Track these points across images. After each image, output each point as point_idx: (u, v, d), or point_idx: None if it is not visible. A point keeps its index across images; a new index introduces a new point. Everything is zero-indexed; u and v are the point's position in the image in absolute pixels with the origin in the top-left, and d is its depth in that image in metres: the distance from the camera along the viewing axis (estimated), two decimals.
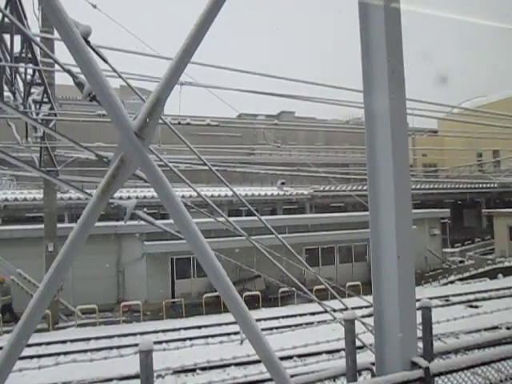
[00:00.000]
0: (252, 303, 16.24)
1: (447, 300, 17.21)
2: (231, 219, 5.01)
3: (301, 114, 37.49)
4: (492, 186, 32.26)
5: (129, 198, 18.66)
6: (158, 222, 3.39)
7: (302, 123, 27.06)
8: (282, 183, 26.25)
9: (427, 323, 2.66)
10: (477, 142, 23.30)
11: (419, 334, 2.58)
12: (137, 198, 19.49)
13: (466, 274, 22.89)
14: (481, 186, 32.26)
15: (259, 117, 34.89)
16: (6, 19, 7.58)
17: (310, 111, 34.07)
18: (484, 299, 17.12)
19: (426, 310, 2.71)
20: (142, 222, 3.03)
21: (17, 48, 8.93)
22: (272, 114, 37.51)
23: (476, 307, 15.98)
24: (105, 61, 3.23)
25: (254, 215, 5.13)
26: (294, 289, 8.86)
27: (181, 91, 8.93)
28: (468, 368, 2.60)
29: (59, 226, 16.56)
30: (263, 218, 5.34)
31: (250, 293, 17.21)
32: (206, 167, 4.82)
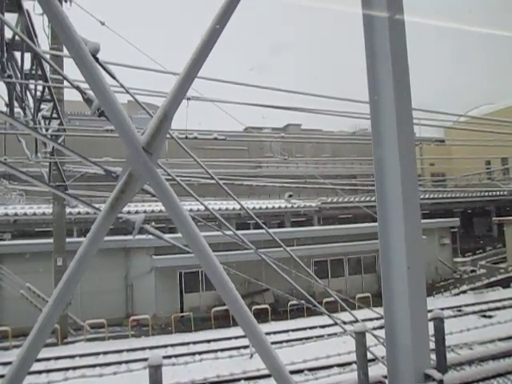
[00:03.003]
0: (261, 316, 16.12)
1: (459, 310, 16.97)
2: (239, 232, 5.00)
3: (307, 126, 37.57)
4: (502, 193, 31.96)
5: (137, 212, 18.75)
6: (166, 236, 3.39)
7: (309, 135, 27.12)
8: (290, 196, 26.21)
9: (440, 334, 2.62)
10: (485, 150, 23.18)
11: (432, 345, 2.54)
12: (145, 212, 19.55)
13: (478, 284, 22.56)
14: (490, 193, 31.97)
15: (265, 130, 35.00)
16: (17, 37, 7.73)
17: (316, 123, 34.13)
18: (497, 309, 16.86)
19: (439, 321, 2.68)
20: (151, 237, 3.04)
21: (27, 65, 9.09)
22: (278, 127, 37.62)
23: (489, 317, 15.74)
24: (113, 77, 3.28)
25: (262, 228, 5.13)
26: (303, 301, 8.79)
27: (188, 106, 9.01)
28: (483, 380, 2.56)
29: (68, 240, 16.65)
30: (271, 230, 5.33)
31: (258, 306, 17.10)
32: (214, 181, 4.83)
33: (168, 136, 3.69)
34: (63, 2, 14.26)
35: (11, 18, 7.45)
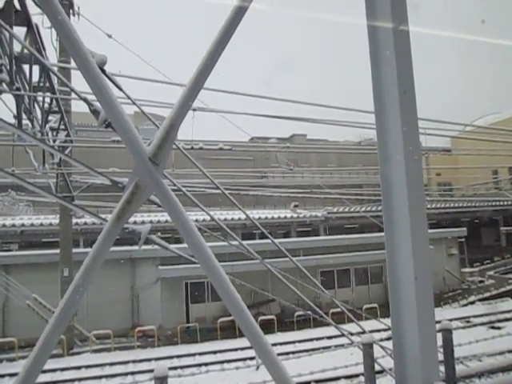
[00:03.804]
0: (267, 327, 15.99)
1: (468, 321, 16.76)
2: (245, 242, 4.99)
3: (312, 136, 37.65)
4: (509, 203, 31.70)
5: (143, 222, 18.79)
6: (172, 247, 3.40)
7: (314, 145, 27.17)
8: (296, 205, 26.16)
9: (448, 346, 2.59)
10: (492, 160, 23.06)
11: (440, 357, 2.50)
12: (151, 222, 19.60)
13: (487, 294, 22.30)
14: (498, 203, 31.73)
15: (271, 140, 35.10)
16: (26, 50, 7.84)
17: (321, 133, 34.22)
18: (507, 320, 16.62)
19: (447, 333, 2.64)
20: (156, 247, 3.04)
21: (35, 78, 9.20)
22: (284, 137, 37.72)
23: (499, 328, 15.53)
24: (119, 88, 3.32)
25: (268, 238, 5.12)
26: (309, 312, 8.73)
27: (193, 117, 9.07)
28: None
29: (74, 250, 16.68)
30: (277, 240, 5.31)
31: (265, 317, 16.98)
32: (219, 191, 4.84)
33: (174, 147, 3.71)
34: (71, 16, 14.49)
35: (20, 31, 7.57)
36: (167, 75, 8.94)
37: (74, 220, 18.24)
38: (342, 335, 5.56)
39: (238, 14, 1.63)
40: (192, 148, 11.07)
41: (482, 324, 16.28)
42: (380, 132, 2.09)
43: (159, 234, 3.25)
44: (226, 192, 4.91)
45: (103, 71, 1.93)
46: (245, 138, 23.16)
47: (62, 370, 12.94)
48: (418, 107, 2.02)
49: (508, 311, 17.73)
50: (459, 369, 8.89)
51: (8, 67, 7.28)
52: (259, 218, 22.96)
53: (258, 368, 12.01)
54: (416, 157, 2.04)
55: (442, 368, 7.76)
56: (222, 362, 13.18)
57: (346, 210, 26.60)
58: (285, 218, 25.40)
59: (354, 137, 40.51)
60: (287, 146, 18.04)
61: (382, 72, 1.99)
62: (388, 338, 9.75)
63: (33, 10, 7.52)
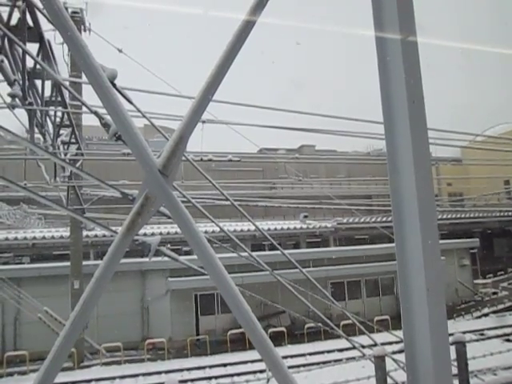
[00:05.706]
0: (277, 339, 15.86)
1: (482, 334, 16.46)
2: (254, 254, 4.99)
3: (321, 147, 37.63)
4: None
5: (153, 234, 18.83)
6: (182, 258, 3.40)
7: (323, 156, 27.18)
8: (305, 216, 26.07)
9: (462, 359, 2.54)
10: (503, 169, 22.85)
11: (454, 370, 2.46)
12: (161, 234, 19.66)
13: (501, 306, 21.92)
14: (510, 213, 31.31)
15: (280, 151, 35.15)
16: (38, 66, 7.99)
17: (330, 144, 34.13)
18: None
19: (460, 345, 2.60)
20: (166, 258, 3.05)
21: (47, 92, 9.35)
22: (293, 148, 37.75)
23: None
24: (130, 102, 3.36)
25: (278, 249, 5.10)
26: (320, 324, 8.65)
27: (202, 128, 9.12)
28: None
29: (85, 263, 16.76)
30: (286, 251, 5.30)
31: (275, 329, 16.85)
32: (229, 202, 4.85)
33: (183, 158, 3.73)
34: (82, 32, 14.76)
35: (33, 47, 7.72)
36: (176, 88, 9.04)
37: (85, 232, 18.35)
38: (354, 348, 5.50)
39: (247, 27, 1.65)
40: (201, 160, 11.12)
41: (497, 337, 15.99)
42: (389, 142, 2.08)
43: (169, 245, 3.26)
44: (236, 203, 4.92)
45: (114, 85, 1.96)
46: (254, 150, 23.28)
47: (73, 383, 12.92)
48: (427, 117, 2.01)
49: None
50: (473, 383, 8.72)
51: (21, 82, 7.41)
52: (268, 229, 22.89)
53: (268, 381, 11.89)
54: (426, 167, 2.03)
55: (455, 382, 7.61)
56: (232, 375, 13.08)
57: (356, 220, 26.45)
58: (294, 228, 25.31)
59: (363, 147, 40.41)
60: (296, 157, 18.04)
61: (390, 82, 2.00)
62: (400, 351, 9.61)
63: (45, 26, 7.68)
